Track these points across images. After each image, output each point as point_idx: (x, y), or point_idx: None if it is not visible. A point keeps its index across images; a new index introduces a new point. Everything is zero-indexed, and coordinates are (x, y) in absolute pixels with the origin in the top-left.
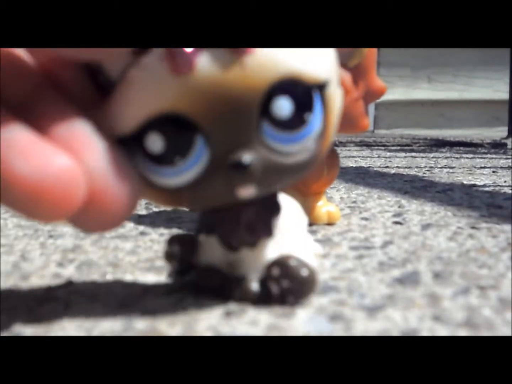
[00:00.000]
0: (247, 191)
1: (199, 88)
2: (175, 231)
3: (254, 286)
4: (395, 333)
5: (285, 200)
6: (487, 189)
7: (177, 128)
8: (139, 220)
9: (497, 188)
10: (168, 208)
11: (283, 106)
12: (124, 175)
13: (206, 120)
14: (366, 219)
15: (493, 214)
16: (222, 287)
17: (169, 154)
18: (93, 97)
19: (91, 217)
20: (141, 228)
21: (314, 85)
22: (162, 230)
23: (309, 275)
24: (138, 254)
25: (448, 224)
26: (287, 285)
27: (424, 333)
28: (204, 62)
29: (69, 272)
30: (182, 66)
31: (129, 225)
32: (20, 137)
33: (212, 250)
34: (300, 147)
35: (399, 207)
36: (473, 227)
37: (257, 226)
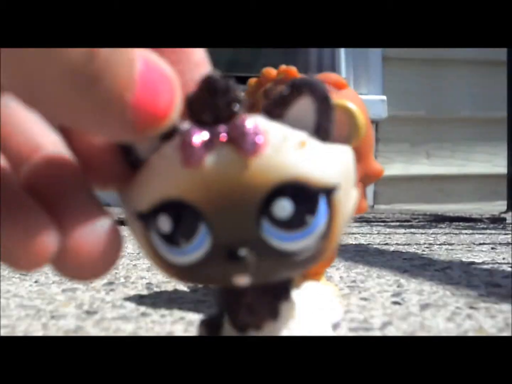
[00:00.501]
0: (241, 280)
1: (205, 181)
2: (176, 312)
3: None
4: None
5: (319, 290)
6: (485, 266)
7: (184, 214)
8: (140, 300)
9: (495, 266)
10: (169, 289)
11: (284, 208)
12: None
13: (209, 211)
14: (365, 299)
15: (492, 293)
16: None
17: (176, 236)
18: (125, 174)
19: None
20: (142, 309)
21: (320, 189)
22: (163, 311)
23: None
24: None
25: (446, 304)
26: None
27: None
28: (212, 158)
29: None
30: (192, 159)
31: (130, 306)
32: None
33: (230, 331)
34: (299, 246)
35: (398, 286)
36: (471, 307)
37: (259, 308)
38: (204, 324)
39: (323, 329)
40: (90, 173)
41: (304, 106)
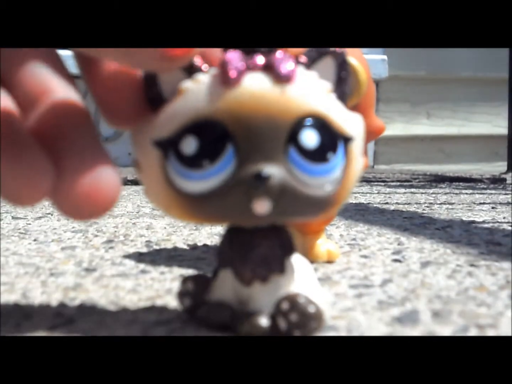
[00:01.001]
0: (262, 206)
1: (240, 101)
2: (175, 269)
3: (263, 321)
4: None
5: (297, 257)
6: (486, 225)
7: (212, 134)
8: (140, 258)
9: (496, 225)
10: (168, 246)
11: (311, 137)
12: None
13: (239, 131)
14: (365, 256)
15: (492, 251)
16: (231, 322)
17: (200, 156)
18: (143, 110)
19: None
20: (142, 266)
21: (340, 134)
22: (163, 268)
23: (316, 312)
24: (139, 293)
25: (447, 262)
26: (295, 319)
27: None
28: (250, 80)
29: (71, 311)
30: (231, 78)
31: (130, 263)
32: None
33: (223, 286)
34: (317, 183)
35: (399, 244)
36: (472, 265)
37: (270, 260)
38: (189, 279)
39: (322, 291)
40: (108, 109)
41: (327, 66)
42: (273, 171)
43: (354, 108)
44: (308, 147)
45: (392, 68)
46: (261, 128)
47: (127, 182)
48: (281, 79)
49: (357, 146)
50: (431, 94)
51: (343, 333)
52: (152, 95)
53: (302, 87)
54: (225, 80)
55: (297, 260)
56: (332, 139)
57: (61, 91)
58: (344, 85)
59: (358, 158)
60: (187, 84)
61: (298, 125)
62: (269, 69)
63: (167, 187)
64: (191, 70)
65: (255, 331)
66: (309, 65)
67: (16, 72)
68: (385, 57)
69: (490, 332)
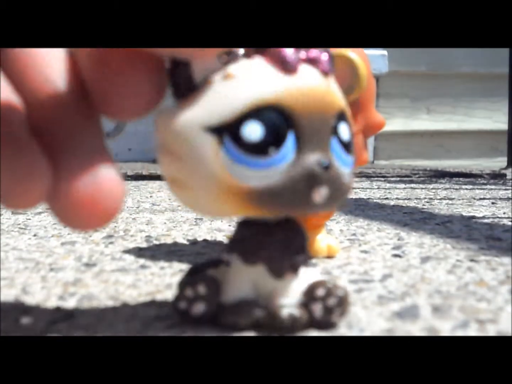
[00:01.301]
0: (322, 194)
1: (301, 89)
2: (175, 264)
3: (298, 311)
4: None
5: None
6: (486, 221)
7: (277, 120)
8: (140, 253)
9: (496, 220)
10: (168, 241)
11: (346, 131)
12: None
13: (302, 119)
14: (365, 252)
15: (492, 246)
16: (264, 320)
17: (266, 143)
18: (162, 92)
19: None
20: (142, 261)
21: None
22: (163, 263)
23: (346, 294)
24: (139, 288)
25: (447, 257)
26: (333, 303)
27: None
28: (304, 70)
29: (70, 306)
30: (290, 65)
31: (130, 258)
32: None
33: (241, 284)
34: (347, 172)
35: (399, 239)
36: (472, 260)
37: (303, 252)
38: (203, 280)
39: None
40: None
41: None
42: (331, 160)
43: (355, 103)
44: (344, 139)
45: (392, 64)
46: (317, 117)
47: (127, 177)
48: (326, 73)
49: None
50: (431, 90)
51: (343, 328)
52: (183, 82)
53: (334, 83)
54: (285, 66)
55: None
56: (352, 132)
57: (65, 87)
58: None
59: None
60: (236, 69)
61: (338, 118)
62: (315, 63)
63: (223, 176)
64: (226, 59)
65: (296, 325)
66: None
67: (20, 66)
68: (385, 52)
69: (490, 327)
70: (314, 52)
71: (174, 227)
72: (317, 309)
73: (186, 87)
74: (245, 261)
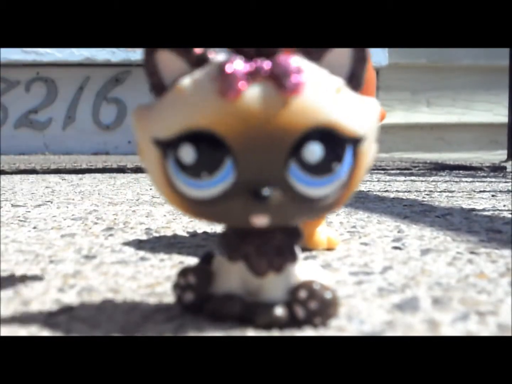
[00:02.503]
0: (260, 220)
1: (240, 114)
2: (175, 256)
3: (280, 311)
4: None
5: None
6: (486, 213)
7: (211, 146)
8: (139, 245)
9: (496, 213)
10: (168, 234)
11: (314, 152)
12: None
13: (239, 145)
14: (365, 244)
15: (492, 239)
16: (244, 314)
17: (198, 168)
18: None
19: None
20: (141, 253)
21: (349, 138)
22: (162, 256)
23: (333, 297)
24: (138, 280)
25: (447, 249)
26: (315, 307)
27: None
28: (251, 92)
29: (70, 298)
30: (231, 91)
31: (129, 251)
32: None
33: (230, 278)
34: (321, 192)
35: (399, 232)
36: (472, 252)
37: (285, 251)
38: (189, 272)
39: (327, 276)
40: None
41: (342, 52)
42: (273, 189)
43: None
44: (311, 162)
45: (392, 56)
46: (261, 143)
47: (126, 170)
48: (287, 90)
49: (369, 142)
50: (431, 82)
51: (343, 320)
52: (154, 81)
53: (309, 97)
54: (224, 92)
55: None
56: (338, 149)
57: None
58: (360, 71)
59: (369, 152)
60: (185, 83)
61: (302, 139)
62: (275, 78)
63: (167, 186)
64: (192, 60)
65: (273, 322)
66: (319, 55)
67: None
68: None
69: (491, 319)
70: (274, 64)
71: (174, 219)
72: (299, 311)
73: (157, 87)
74: (228, 258)
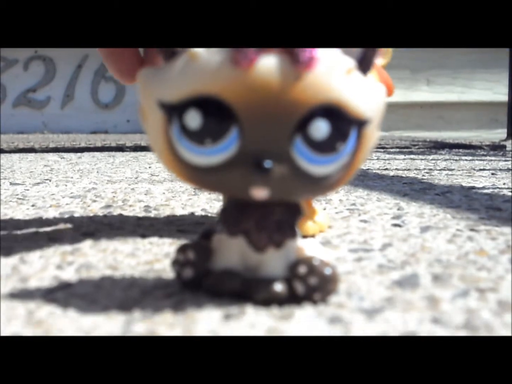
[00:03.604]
0: (260, 193)
1: (251, 84)
2: (174, 233)
3: (279, 286)
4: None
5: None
6: (486, 191)
7: (218, 113)
8: (138, 222)
9: (496, 191)
10: (167, 211)
11: (321, 129)
12: None
13: (246, 115)
14: (365, 221)
15: (492, 216)
16: (243, 290)
17: (202, 134)
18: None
19: None
20: (140, 230)
21: (356, 119)
22: (161, 233)
23: (333, 273)
24: (138, 257)
25: (447, 227)
26: (315, 283)
27: (423, 335)
28: (264, 63)
29: (68, 275)
30: (244, 59)
31: (128, 228)
32: None
33: (229, 254)
34: (322, 171)
35: (398, 209)
36: (472, 230)
37: (285, 226)
38: (188, 248)
39: (327, 252)
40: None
41: None
42: (275, 163)
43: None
44: (317, 138)
45: None
46: (269, 114)
47: (125, 148)
48: (300, 64)
49: (373, 126)
50: (431, 61)
51: (343, 297)
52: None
53: (321, 73)
54: (237, 61)
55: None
56: (344, 128)
57: None
58: (371, 53)
59: (373, 136)
60: (200, 50)
61: (309, 115)
62: (289, 52)
63: (169, 151)
64: None
65: (272, 298)
66: None
67: None
68: None
69: (491, 296)
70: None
71: (173, 197)
72: (299, 286)
73: (168, 51)
74: (228, 233)
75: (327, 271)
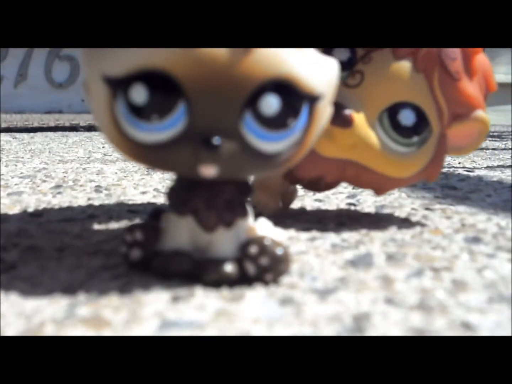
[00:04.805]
0: (208, 171)
1: (199, 58)
2: (124, 214)
3: (229, 267)
4: (346, 316)
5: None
6: (441, 170)
7: (165, 88)
8: (88, 203)
9: (451, 170)
10: (118, 191)
11: (271, 104)
12: None
13: (194, 90)
14: (319, 200)
15: (447, 195)
16: (193, 271)
17: (149, 110)
18: None
19: None
20: (90, 211)
21: (307, 95)
22: (111, 213)
23: (285, 253)
24: (85, 238)
25: (402, 206)
26: (266, 263)
27: (376, 316)
28: None
29: (13, 257)
30: None
31: (78, 209)
32: None
33: (178, 234)
34: (274, 148)
35: (353, 188)
36: (427, 209)
37: (235, 205)
38: (136, 228)
39: (279, 232)
40: None
41: None
42: (224, 140)
43: None
44: (267, 114)
45: None
46: (217, 89)
47: (79, 128)
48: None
49: (325, 102)
50: None
51: (295, 277)
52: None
53: (271, 48)
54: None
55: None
56: (296, 104)
57: None
58: None
59: (325, 113)
60: None
61: (259, 90)
62: None
63: (114, 127)
64: None
65: (222, 279)
66: None
67: None
68: None
69: (445, 275)
70: None
71: (125, 176)
72: (250, 267)
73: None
74: (176, 212)
75: (279, 251)
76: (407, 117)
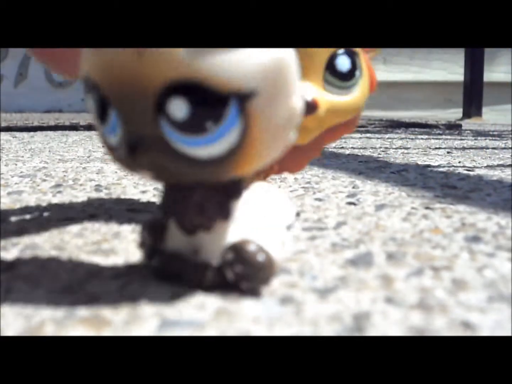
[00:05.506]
0: (143, 174)
1: (108, 64)
2: (124, 213)
3: (209, 273)
4: (346, 316)
5: (269, 190)
6: (441, 169)
7: (97, 95)
8: (88, 202)
9: (451, 169)
10: (118, 191)
11: (179, 108)
12: None
13: (114, 97)
14: (319, 199)
15: (447, 194)
16: (184, 273)
17: (96, 115)
18: None
19: None
20: (90, 210)
21: (228, 93)
22: (111, 212)
23: (265, 260)
24: (85, 237)
25: (402, 205)
26: (240, 270)
27: (376, 315)
28: None
29: (12, 256)
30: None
31: (77, 208)
32: None
33: (176, 235)
34: (203, 152)
35: (353, 187)
36: (427, 208)
37: (209, 208)
38: (146, 227)
39: (278, 231)
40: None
41: None
42: (149, 146)
43: None
44: (178, 119)
45: None
46: (130, 96)
47: (79, 127)
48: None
49: (265, 98)
50: None
51: (295, 276)
52: None
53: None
54: None
55: (258, 191)
56: (211, 105)
57: None
58: None
59: (272, 111)
60: None
61: (163, 94)
62: None
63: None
64: None
65: (203, 284)
66: None
67: None
68: None
69: (445, 274)
70: None
71: (125, 176)
72: (228, 273)
73: None
74: (164, 215)
75: (259, 258)
76: (343, 65)
